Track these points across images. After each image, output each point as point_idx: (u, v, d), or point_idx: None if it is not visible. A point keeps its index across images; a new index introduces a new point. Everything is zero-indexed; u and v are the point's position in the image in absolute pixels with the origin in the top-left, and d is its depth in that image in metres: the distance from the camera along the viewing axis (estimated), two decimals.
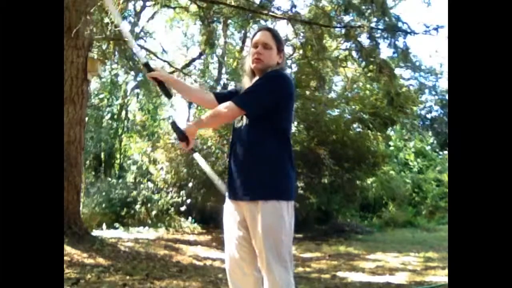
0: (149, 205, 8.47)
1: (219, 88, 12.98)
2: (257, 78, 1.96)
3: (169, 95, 2.13)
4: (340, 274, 4.61)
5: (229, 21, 9.37)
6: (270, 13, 6.42)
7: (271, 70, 1.92)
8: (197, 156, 2.17)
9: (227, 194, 1.97)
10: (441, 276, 4.42)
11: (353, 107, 9.61)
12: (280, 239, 1.79)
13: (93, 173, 11.21)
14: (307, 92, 8.70)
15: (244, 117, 1.91)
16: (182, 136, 1.87)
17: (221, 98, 2.02)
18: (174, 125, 1.92)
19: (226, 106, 1.87)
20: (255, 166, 1.85)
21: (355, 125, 9.58)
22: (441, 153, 13.70)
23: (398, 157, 12.87)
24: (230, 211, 1.95)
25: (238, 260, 1.89)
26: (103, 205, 8.43)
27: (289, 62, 8.97)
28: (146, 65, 2.15)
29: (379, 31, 6.09)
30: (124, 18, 8.67)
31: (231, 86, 12.93)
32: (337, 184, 8.66)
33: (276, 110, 1.87)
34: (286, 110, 1.92)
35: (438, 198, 11.48)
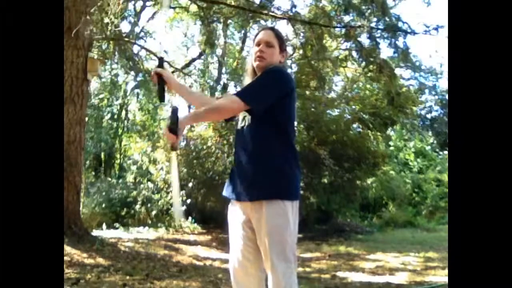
0: (149, 205, 8.48)
1: (219, 88, 12.98)
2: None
3: (162, 98, 2.06)
4: (340, 274, 4.61)
5: (229, 21, 9.37)
6: (270, 13, 6.42)
7: (272, 66, 1.92)
8: (174, 157, 2.09)
9: (230, 194, 1.95)
10: (441, 276, 4.42)
11: (353, 107, 9.62)
12: (285, 239, 1.79)
13: (93, 173, 11.22)
14: (307, 92, 8.71)
15: (247, 117, 1.90)
16: (175, 127, 1.73)
17: None
18: (174, 113, 1.75)
19: (228, 100, 1.85)
20: (260, 166, 1.83)
21: (355, 125, 9.59)
22: (441, 153, 13.70)
23: (398, 157, 12.88)
24: (235, 211, 1.94)
25: (242, 260, 1.89)
26: (103, 205, 8.44)
27: (289, 62, 8.98)
28: (161, 59, 2.14)
29: (379, 31, 6.10)
30: (124, 18, 8.67)
31: (231, 86, 12.94)
32: (337, 184, 8.66)
33: (278, 106, 1.85)
34: (289, 108, 1.91)
35: (438, 198, 11.49)
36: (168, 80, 2.01)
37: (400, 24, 6.02)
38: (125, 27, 9.97)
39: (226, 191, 1.98)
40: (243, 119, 1.93)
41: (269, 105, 1.83)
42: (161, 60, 2.11)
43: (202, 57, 12.77)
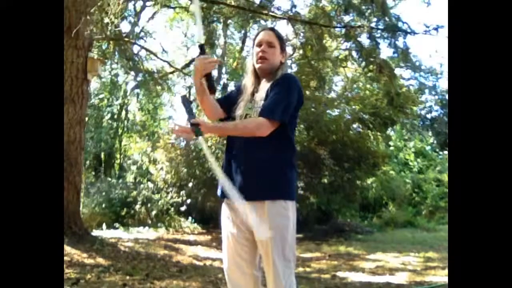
0: (149, 205, 8.47)
1: (219, 88, 12.96)
2: (263, 80, 1.92)
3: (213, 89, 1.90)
4: (340, 274, 4.61)
5: (229, 21, 9.38)
6: (270, 13, 6.42)
7: (283, 73, 1.91)
8: (202, 141, 1.93)
9: (228, 195, 1.94)
10: (441, 276, 4.42)
11: (353, 107, 9.61)
12: (285, 239, 1.80)
13: (93, 173, 11.22)
14: (307, 92, 8.70)
15: (248, 116, 1.90)
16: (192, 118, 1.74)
17: (225, 105, 1.99)
18: (186, 104, 1.78)
19: (262, 125, 1.78)
20: (261, 166, 1.83)
21: (355, 125, 9.58)
22: (441, 153, 13.70)
23: (398, 157, 12.87)
24: (230, 211, 1.93)
25: (238, 259, 1.88)
26: (103, 205, 8.44)
27: (289, 62, 8.97)
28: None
29: (379, 31, 6.10)
30: (124, 18, 8.67)
31: (231, 87, 12.92)
32: (337, 184, 8.66)
33: None
34: (295, 111, 1.93)
35: (438, 198, 11.48)
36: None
37: (400, 24, 6.02)
38: (125, 27, 9.98)
39: (222, 191, 1.95)
40: (244, 117, 1.92)
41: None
42: (201, 47, 1.88)
43: None
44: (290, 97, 1.85)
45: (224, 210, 1.97)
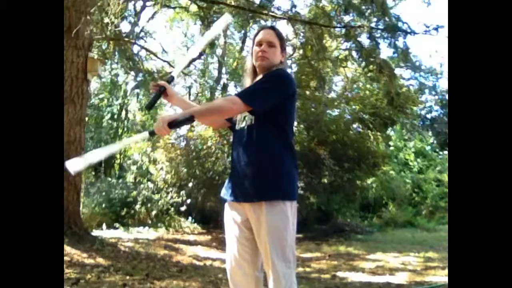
0: (149, 205, 8.47)
1: (219, 88, 12.96)
2: (260, 77, 1.94)
3: (150, 107, 2.09)
4: (340, 274, 4.61)
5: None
6: (270, 13, 6.42)
7: (275, 68, 1.91)
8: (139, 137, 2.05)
9: (228, 196, 1.94)
10: (441, 276, 4.42)
11: (353, 107, 9.61)
12: (285, 239, 1.79)
13: (93, 173, 11.20)
14: (307, 92, 8.71)
15: (247, 118, 1.89)
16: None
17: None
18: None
19: (230, 101, 1.82)
20: (260, 167, 1.83)
21: (355, 125, 9.59)
22: (441, 153, 13.71)
23: (398, 157, 12.87)
24: (232, 212, 1.93)
25: (239, 260, 1.88)
26: (103, 205, 8.43)
27: (289, 62, 8.98)
28: (171, 77, 2.09)
29: (379, 31, 6.11)
30: (124, 18, 8.67)
31: (231, 86, 12.92)
32: (337, 184, 8.66)
33: (279, 109, 1.84)
34: (289, 109, 1.91)
35: (438, 198, 11.49)
36: (170, 95, 2.01)
37: (400, 24, 6.03)
38: (125, 27, 9.99)
39: (224, 192, 1.97)
40: (243, 120, 1.92)
41: (269, 107, 1.81)
42: (171, 78, 2.07)
43: (202, 57, 12.77)
44: (266, 87, 1.83)
45: (227, 211, 1.97)
